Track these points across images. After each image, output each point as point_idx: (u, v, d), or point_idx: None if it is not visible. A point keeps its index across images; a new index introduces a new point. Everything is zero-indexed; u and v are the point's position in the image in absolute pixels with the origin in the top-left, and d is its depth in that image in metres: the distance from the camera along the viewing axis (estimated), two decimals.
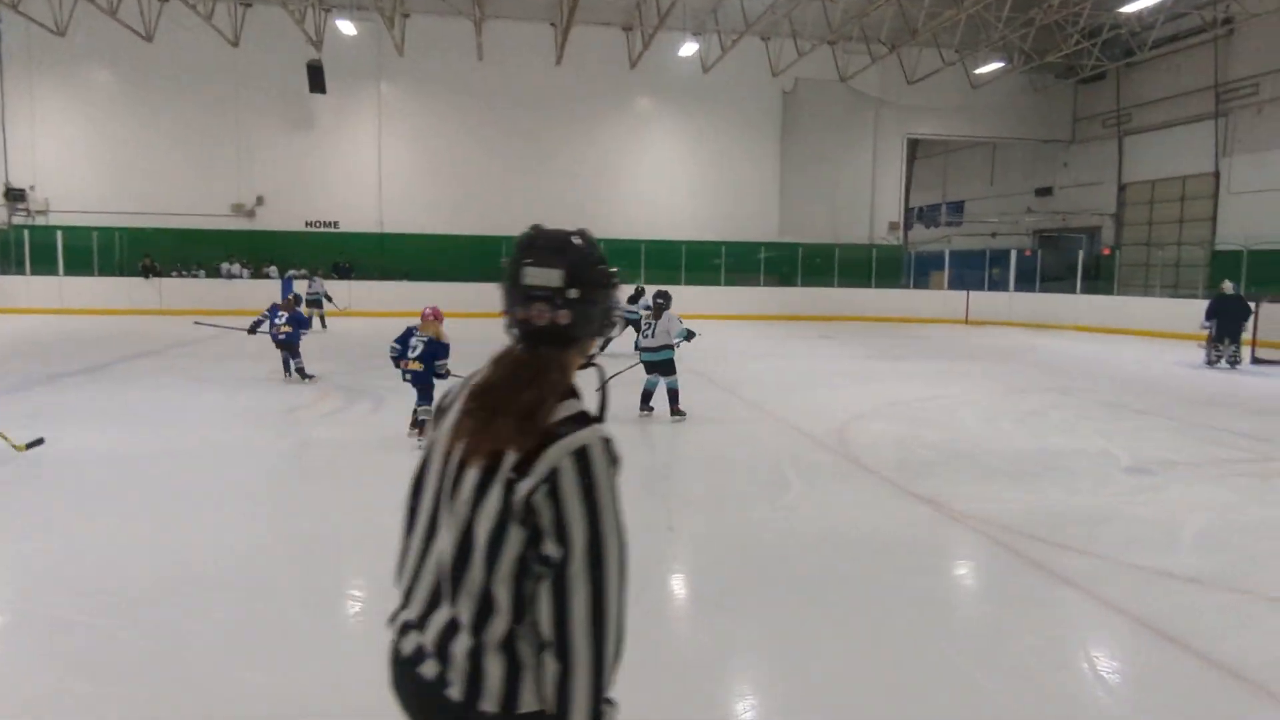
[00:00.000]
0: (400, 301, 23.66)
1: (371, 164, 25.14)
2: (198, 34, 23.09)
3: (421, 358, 7.65)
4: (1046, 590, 4.52)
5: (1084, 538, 5.28)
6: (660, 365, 8.89)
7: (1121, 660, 3.77)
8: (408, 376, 7.70)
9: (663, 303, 9.19)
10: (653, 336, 8.89)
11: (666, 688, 3.40)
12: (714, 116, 26.59)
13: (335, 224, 25.10)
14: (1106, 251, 26.77)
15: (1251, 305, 15.29)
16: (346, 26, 22.96)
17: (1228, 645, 3.80)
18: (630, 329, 11.98)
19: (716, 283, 25.73)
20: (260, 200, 24.63)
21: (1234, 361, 14.78)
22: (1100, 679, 3.61)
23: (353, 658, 3.65)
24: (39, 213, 23.64)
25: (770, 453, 7.63)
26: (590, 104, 25.88)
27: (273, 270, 23.81)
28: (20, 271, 23.01)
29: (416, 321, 7.87)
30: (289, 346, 10.88)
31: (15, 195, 23.35)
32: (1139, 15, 21.86)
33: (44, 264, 22.94)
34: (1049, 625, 4.12)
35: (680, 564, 5.02)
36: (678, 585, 4.68)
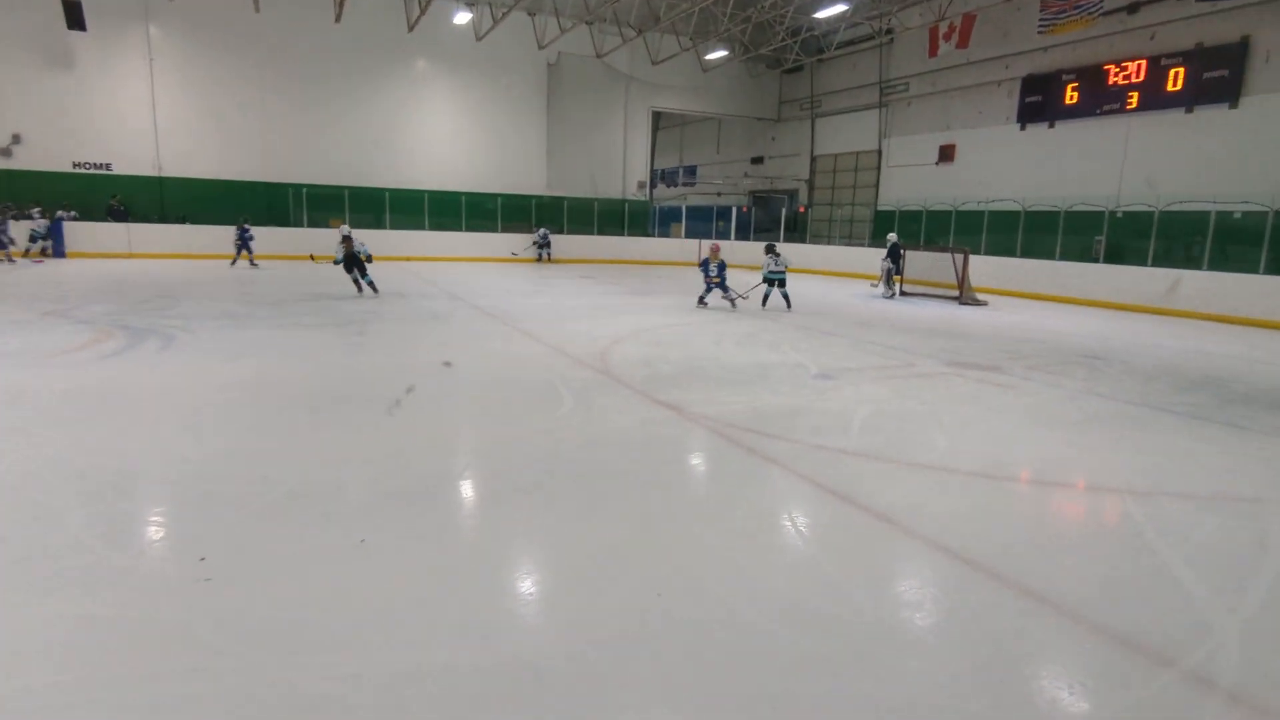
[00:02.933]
0: (179, 244, 20.99)
1: (145, 107, 21.65)
2: None
3: (720, 274, 13.27)
4: (758, 468, 4.97)
5: (784, 428, 5.85)
6: (781, 282, 13.83)
7: (811, 516, 4.26)
8: (712, 288, 13.35)
9: (778, 252, 14.00)
10: (780, 268, 13.84)
11: (468, 569, 3.41)
12: (487, 81, 25.53)
13: (108, 165, 21.52)
14: (802, 209, 29.10)
15: (902, 252, 17.45)
16: None
17: (882, 499, 4.41)
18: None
19: (494, 230, 25.16)
20: (16, 139, 20.49)
21: (899, 294, 16.89)
22: (798, 530, 4.07)
23: (159, 578, 3.31)
24: None
25: (544, 373, 7.68)
26: (370, 62, 23.84)
27: (35, 211, 20.07)
28: None
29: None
30: None
31: None
32: (827, 20, 23.55)
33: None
34: (761, 495, 4.55)
35: (478, 468, 4.98)
36: (471, 487, 4.65)
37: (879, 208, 25.66)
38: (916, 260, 17.40)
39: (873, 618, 3.12)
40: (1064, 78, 19.41)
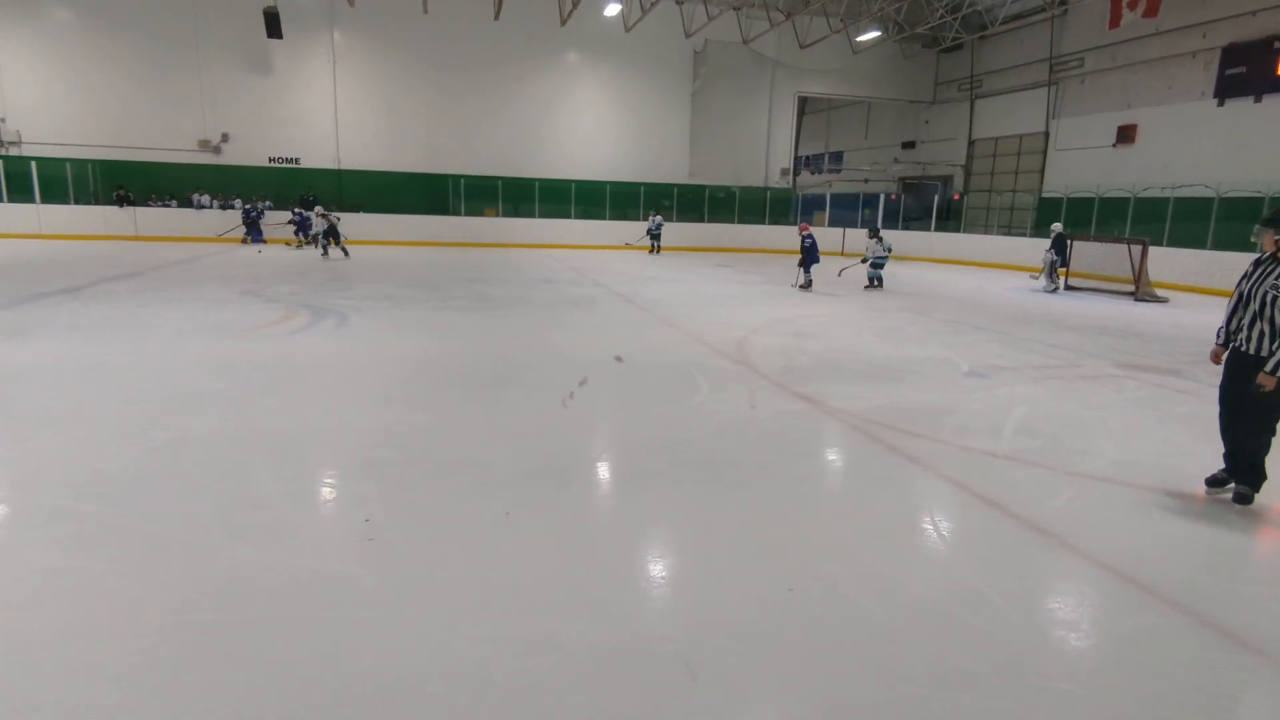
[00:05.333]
0: (358, 230, 22.76)
1: (328, 106, 23.67)
2: None
3: (810, 250, 14.22)
4: (899, 468, 4.76)
5: (929, 427, 5.57)
6: (883, 265, 14.59)
7: (956, 521, 4.03)
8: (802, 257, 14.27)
9: (881, 237, 14.54)
10: (885, 252, 14.58)
11: (602, 549, 3.51)
12: (634, 71, 25.85)
13: (297, 160, 23.71)
14: (956, 196, 27.44)
15: (1069, 242, 16.08)
16: None
17: (1036, 508, 4.10)
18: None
19: (638, 218, 25.48)
20: (225, 137, 23.02)
21: (1064, 288, 15.61)
22: (941, 535, 3.87)
23: (330, 533, 3.64)
24: (11, 144, 21.61)
25: (680, 361, 7.73)
26: (525, 56, 24.79)
27: (236, 201, 22.49)
28: None
29: None
30: None
31: None
32: None
33: (20, 192, 21.11)
34: (901, 495, 4.36)
35: (614, 451, 5.10)
36: (608, 470, 4.76)
37: (1043, 194, 23.75)
38: (1086, 251, 15.98)
39: (1020, 633, 2.91)
40: (1277, 45, 17.07)
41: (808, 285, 14.40)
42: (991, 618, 3.01)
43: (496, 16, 23.81)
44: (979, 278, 18.70)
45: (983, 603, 3.13)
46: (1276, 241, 4.04)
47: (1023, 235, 22.91)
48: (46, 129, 21.73)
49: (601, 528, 3.82)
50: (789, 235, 26.32)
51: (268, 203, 22.37)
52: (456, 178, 24.53)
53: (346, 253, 18.00)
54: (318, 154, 23.83)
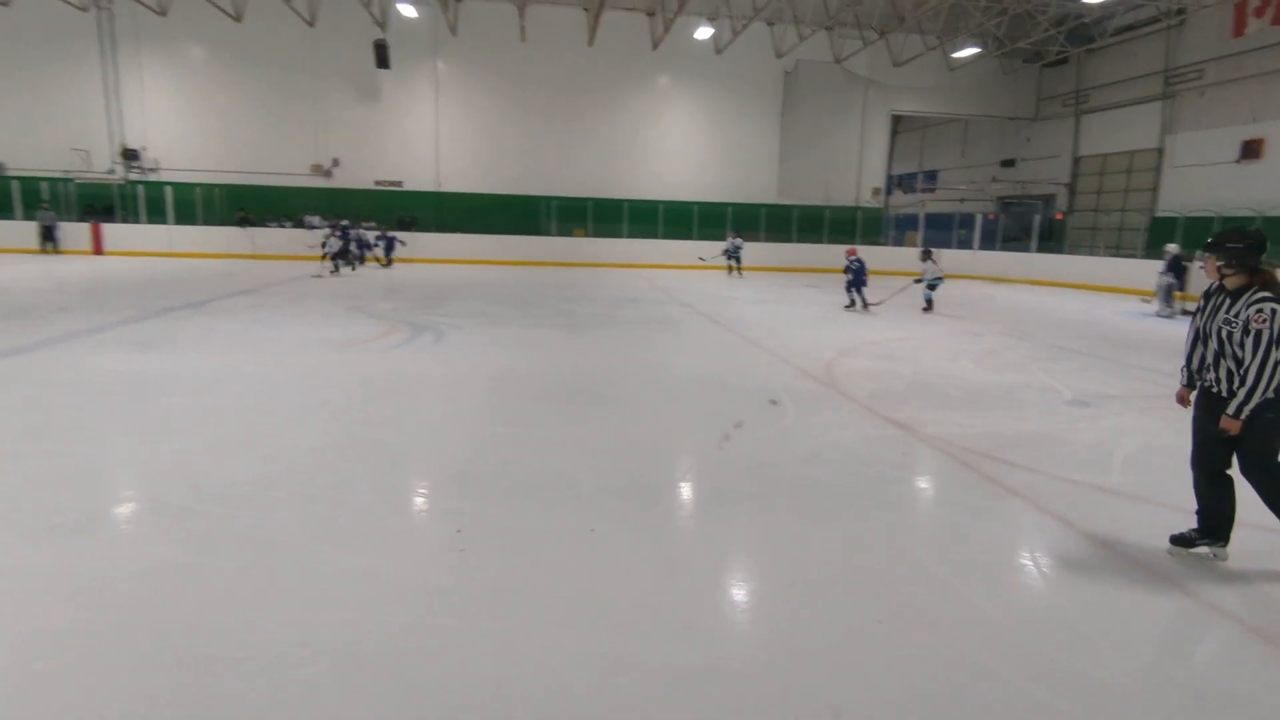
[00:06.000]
0: (456, 250, 23.62)
1: (430, 131, 24.77)
2: (280, 15, 22.67)
3: (859, 272, 13.91)
4: (997, 500, 4.55)
5: (1030, 457, 5.30)
6: (937, 287, 14.05)
7: (1058, 558, 3.80)
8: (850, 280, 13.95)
9: (935, 259, 14.00)
10: (939, 275, 14.05)
11: (685, 569, 3.50)
12: (724, 93, 25.94)
13: (400, 183, 24.89)
14: (1060, 216, 26.17)
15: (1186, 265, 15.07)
16: (408, 10, 22.43)
17: (1145, 548, 3.84)
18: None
19: (723, 237, 25.44)
20: (336, 162, 24.40)
21: (1180, 313, 14.63)
22: (1041, 572, 3.66)
23: (423, 542, 3.77)
24: (150, 170, 23.56)
25: (767, 382, 7.64)
26: (616, 80, 25.28)
27: (345, 222, 23.71)
28: (135, 220, 23.08)
29: None
30: None
31: (130, 155, 23.25)
32: (1101, 5, 20.95)
33: (155, 214, 22.97)
34: (999, 528, 4.17)
35: (698, 472, 5.08)
36: (691, 491, 4.75)
37: (1157, 214, 22.37)
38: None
39: (1129, 682, 2.72)
40: None
41: (854, 306, 14.12)
42: (1097, 665, 2.82)
43: (590, 42, 24.41)
44: (1085, 301, 17.75)
45: (1089, 649, 2.94)
46: (1220, 269, 3.59)
47: (1133, 257, 21.62)
48: (180, 157, 23.60)
49: (687, 548, 3.81)
50: (881, 255, 25.75)
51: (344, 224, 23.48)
52: (548, 199, 25.16)
53: (354, 268, 19.02)
54: (419, 177, 24.93)
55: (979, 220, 26.11)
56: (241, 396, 6.44)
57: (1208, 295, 3.70)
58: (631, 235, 25.17)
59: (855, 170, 27.14)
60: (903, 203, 31.77)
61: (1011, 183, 28.50)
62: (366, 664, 2.66)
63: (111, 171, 23.23)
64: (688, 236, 25.44)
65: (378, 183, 24.74)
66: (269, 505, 4.06)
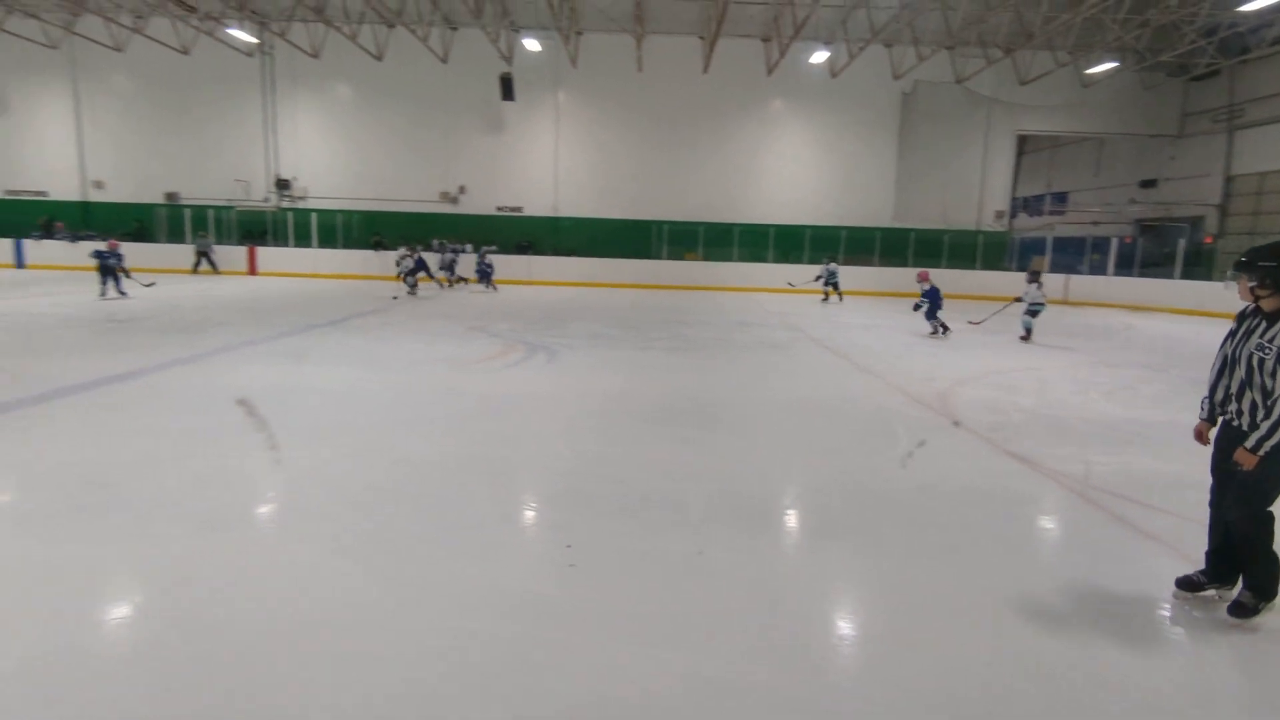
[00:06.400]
0: (570, 273, 24.29)
1: (549, 159, 25.70)
2: (417, 54, 24.24)
3: (933, 298, 13.46)
4: (1131, 543, 4.21)
5: (1168, 499, 4.87)
6: (1038, 313, 13.02)
7: (1205, 611, 3.45)
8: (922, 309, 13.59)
9: (1040, 281, 13.10)
10: (1042, 300, 13.03)
11: (793, 596, 3.43)
12: (838, 116, 25.55)
13: (520, 209, 25.91)
14: (1209, 240, 24.05)
15: None
16: (532, 44, 23.45)
17: None
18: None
19: (836, 261, 24.92)
20: (462, 189, 25.71)
21: None
22: (1184, 625, 3.35)
23: (534, 555, 3.88)
24: (299, 198, 25.62)
25: (879, 410, 7.40)
26: (730, 106, 25.40)
27: (468, 246, 24.90)
28: (285, 244, 25.11)
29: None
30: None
31: (282, 185, 25.40)
32: (1258, 12, 19.23)
33: (302, 238, 24.93)
34: (1133, 574, 3.84)
35: (807, 500, 4.99)
36: (799, 518, 4.66)
37: None
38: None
39: None
40: None
41: (936, 333, 13.51)
42: None
43: (705, 70, 24.68)
44: None
45: (1242, 714, 2.67)
46: (1253, 290, 3.20)
47: None
48: (325, 185, 25.56)
49: (794, 575, 3.73)
50: (1003, 281, 24.48)
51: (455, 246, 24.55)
52: (660, 223, 25.50)
53: (412, 289, 18.56)
54: (538, 202, 25.88)
55: (1114, 244, 24.36)
56: (371, 408, 6.86)
57: (1242, 317, 3.39)
58: (742, 259, 25.10)
59: (976, 192, 26.02)
60: (1028, 226, 30.13)
61: (1152, 204, 26.48)
62: (475, 671, 2.76)
63: (266, 200, 25.43)
64: (799, 260, 25.12)
65: (499, 208, 25.86)
66: (392, 512, 4.30)
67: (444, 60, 24.64)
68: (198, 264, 23.43)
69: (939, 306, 13.62)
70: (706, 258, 25.31)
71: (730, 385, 8.61)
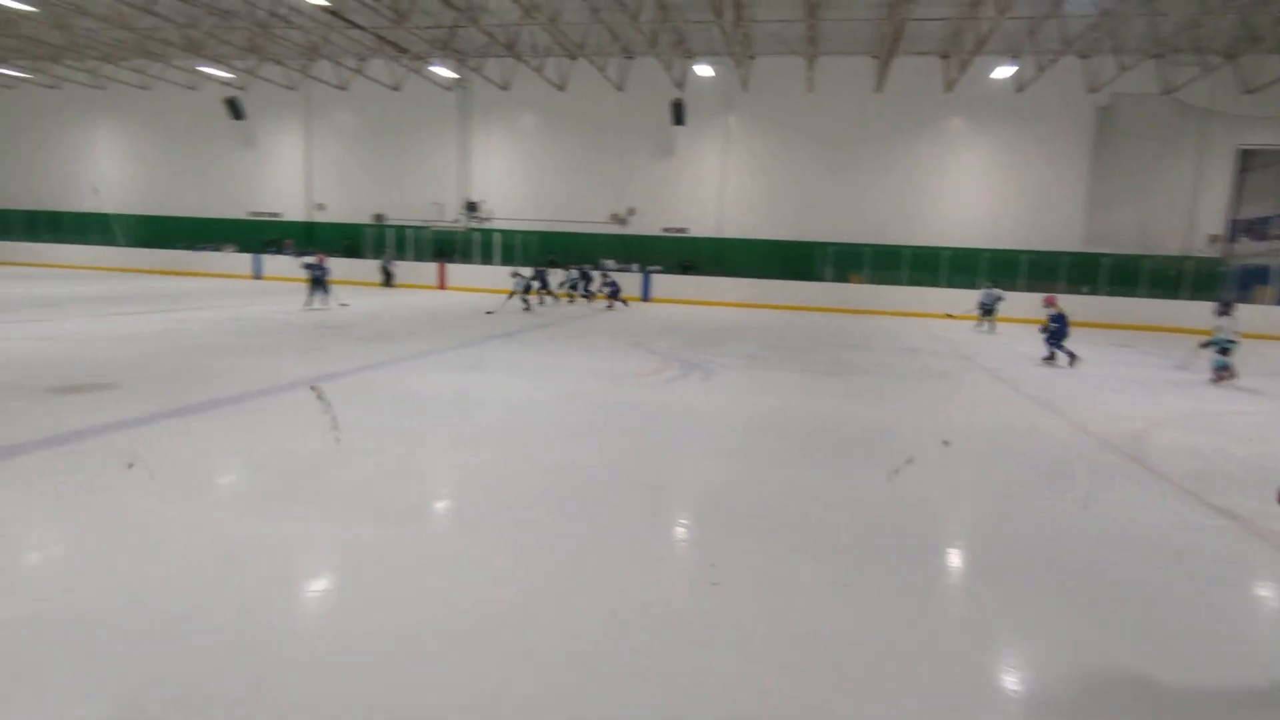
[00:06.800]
0: (732, 293, 24.33)
1: (715, 181, 25.96)
2: (595, 83, 25.43)
3: (1060, 324, 12.55)
4: None
5: None
6: (1231, 351, 11.41)
7: None
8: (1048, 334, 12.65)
9: (1233, 314, 11.60)
10: (1235, 337, 11.47)
11: (937, 644, 3.23)
12: (1023, 132, 23.81)
13: (685, 230, 26.34)
14: None
15: None
16: (704, 70, 23.83)
17: None
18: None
19: (1016, 288, 23.14)
20: (631, 211, 26.55)
21: None
22: None
23: (679, 571, 3.93)
24: (485, 219, 27.59)
25: (1057, 451, 6.78)
26: (903, 125, 24.42)
27: (635, 265, 25.66)
28: (472, 261, 27.12)
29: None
30: None
31: (471, 207, 27.47)
32: None
33: (486, 256, 26.82)
34: None
35: (967, 540, 4.69)
36: (959, 559, 4.38)
37: None
38: None
39: None
40: None
41: (1052, 359, 12.73)
42: None
43: (879, 88, 23.94)
44: None
45: None
46: None
47: None
48: (508, 207, 27.37)
49: (946, 618, 3.51)
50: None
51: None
52: (824, 245, 24.93)
53: (526, 305, 19.17)
54: (702, 223, 26.18)
55: None
56: (536, 417, 7.24)
57: None
58: (911, 282, 23.96)
59: (1185, 214, 23.21)
60: (1251, 251, 26.37)
61: None
62: (617, 680, 2.83)
63: (457, 220, 27.61)
64: (972, 285, 23.59)
65: (665, 229, 26.43)
66: (547, 516, 4.52)
67: (620, 88, 25.65)
68: (386, 279, 25.84)
69: (1065, 334, 12.61)
70: (873, 281, 24.42)
71: (891, 413, 8.25)
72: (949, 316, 21.47)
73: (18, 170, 31.77)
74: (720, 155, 25.84)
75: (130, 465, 5.02)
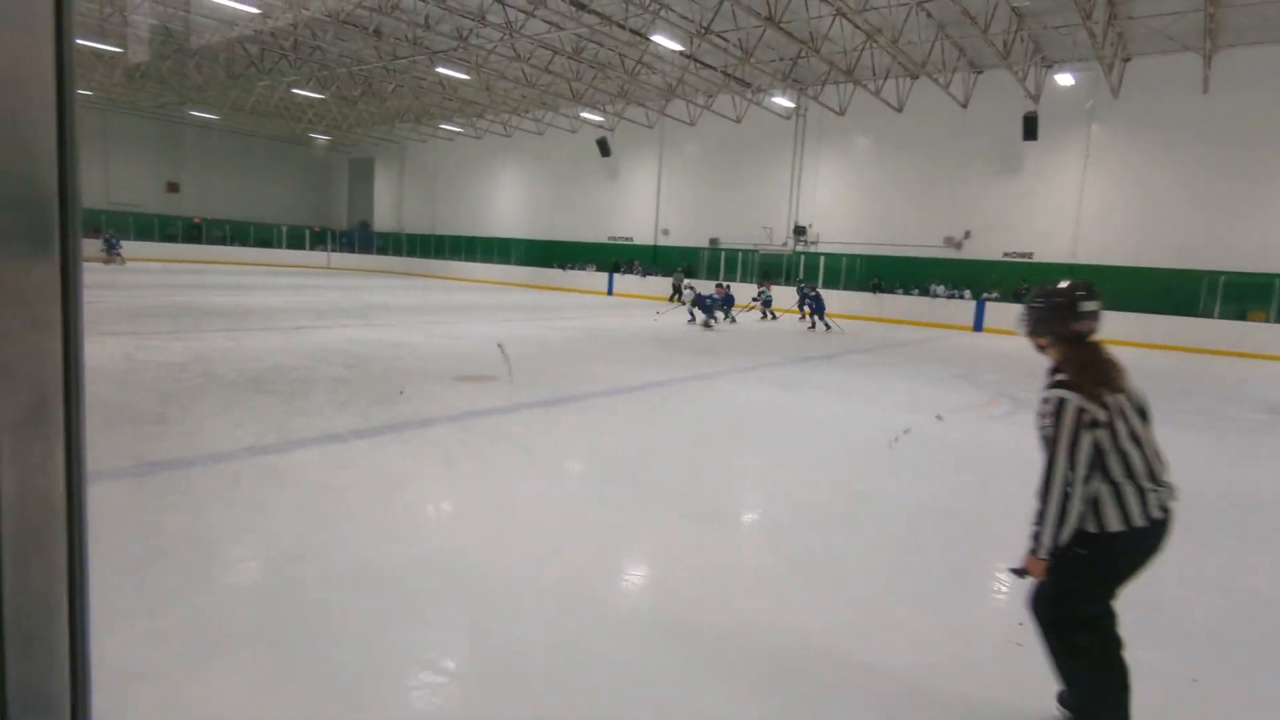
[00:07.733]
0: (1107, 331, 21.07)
1: (1071, 201, 22.76)
2: (936, 102, 24.01)
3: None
4: None
5: None
6: None
7: None
8: None
9: None
10: None
11: None
12: None
13: (1030, 255, 23.55)
14: None
15: None
16: (1065, 78, 21.11)
17: None
18: None
19: None
20: (967, 234, 24.52)
21: None
22: None
23: (984, 624, 3.63)
24: (812, 243, 27.67)
25: None
26: None
27: (967, 292, 23.63)
28: (793, 284, 27.39)
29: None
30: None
31: (799, 231, 27.75)
32: None
33: (810, 279, 26.85)
34: None
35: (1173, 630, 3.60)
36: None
37: None
38: None
39: None
40: None
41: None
42: None
43: None
44: None
45: None
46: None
47: None
48: (835, 230, 27.09)
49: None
50: None
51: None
52: (1215, 273, 20.36)
53: (706, 323, 18.41)
54: (1051, 248, 23.12)
55: None
56: (849, 441, 7.15)
57: None
58: None
59: None
60: None
61: None
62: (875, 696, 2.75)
63: (785, 244, 28.10)
64: None
65: (1006, 254, 23.91)
66: (846, 541, 4.47)
67: (964, 105, 23.88)
68: (673, 295, 27.09)
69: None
70: None
71: (1231, 488, 6.55)
72: None
73: (453, 204, 40.09)
74: (1078, 171, 22.58)
75: (401, 392, 7.21)
